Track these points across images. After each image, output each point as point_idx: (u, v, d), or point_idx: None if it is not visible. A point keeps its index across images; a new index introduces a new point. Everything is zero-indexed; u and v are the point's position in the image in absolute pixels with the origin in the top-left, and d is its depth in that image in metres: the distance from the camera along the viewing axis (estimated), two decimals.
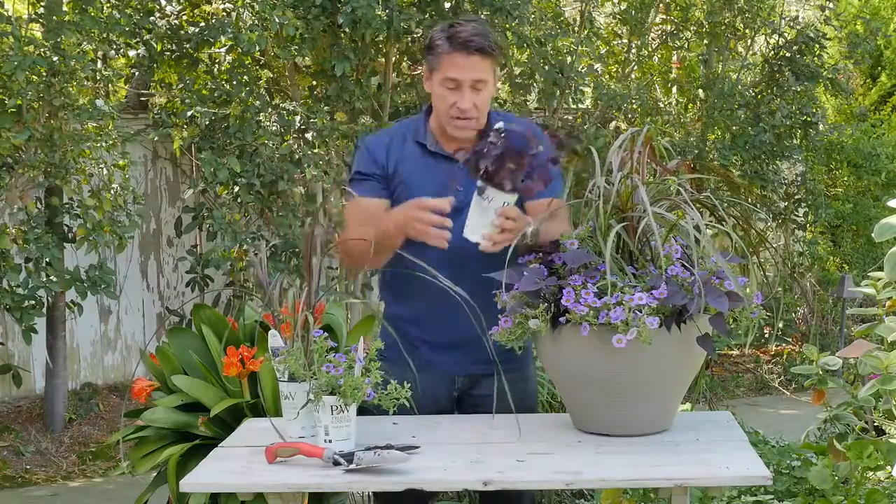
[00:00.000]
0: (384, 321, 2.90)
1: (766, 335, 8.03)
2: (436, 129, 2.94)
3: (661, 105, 8.30)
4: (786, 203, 8.52)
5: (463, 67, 2.80)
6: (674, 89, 8.56)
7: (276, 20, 5.81)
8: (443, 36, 2.83)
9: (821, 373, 3.35)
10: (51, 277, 5.44)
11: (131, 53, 6.33)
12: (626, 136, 2.61)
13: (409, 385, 2.51)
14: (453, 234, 2.69)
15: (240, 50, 5.97)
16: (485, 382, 2.92)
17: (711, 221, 2.79)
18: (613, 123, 7.63)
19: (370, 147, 2.97)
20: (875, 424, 3.57)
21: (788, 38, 8.00)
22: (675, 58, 8.51)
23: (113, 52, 6.37)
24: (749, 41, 8.41)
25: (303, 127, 6.27)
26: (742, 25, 8.14)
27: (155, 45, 6.19)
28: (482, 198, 2.63)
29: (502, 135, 2.62)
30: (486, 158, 2.59)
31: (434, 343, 2.90)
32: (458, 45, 2.79)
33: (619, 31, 8.24)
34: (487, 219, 2.64)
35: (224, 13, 6.22)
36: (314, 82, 6.73)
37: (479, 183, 2.61)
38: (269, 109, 6.22)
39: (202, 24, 6.25)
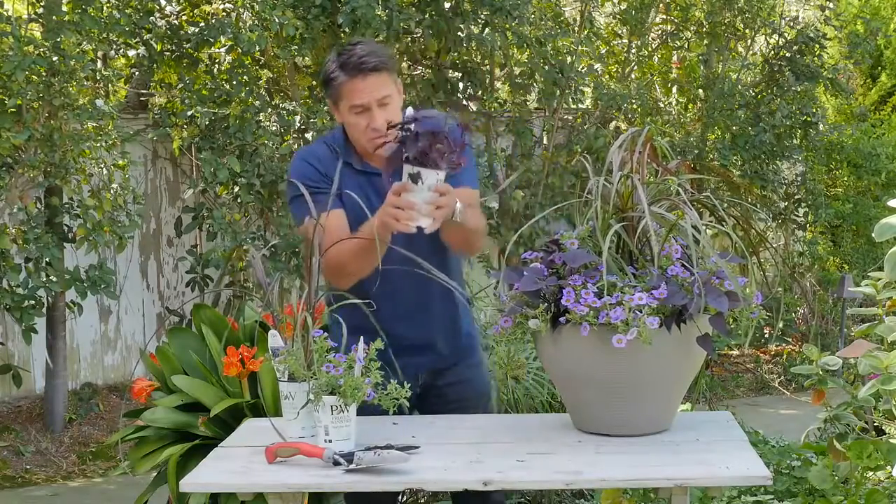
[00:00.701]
0: (338, 318, 2.77)
1: (766, 335, 8.03)
2: (359, 148, 2.92)
3: (661, 105, 8.30)
4: (786, 203, 8.51)
5: (364, 91, 2.80)
6: (674, 89, 8.55)
7: (276, 20, 5.81)
8: (335, 66, 2.83)
9: (821, 373, 3.35)
10: (51, 277, 5.44)
11: (131, 53, 6.32)
12: (627, 136, 2.61)
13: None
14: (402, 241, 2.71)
15: (240, 50, 5.97)
16: (446, 373, 3.01)
17: (711, 221, 2.79)
18: (613, 123, 7.63)
19: (309, 158, 2.92)
20: (875, 424, 3.58)
21: (788, 38, 8.00)
22: (675, 58, 8.51)
23: (113, 52, 6.36)
24: (749, 41, 8.41)
25: (303, 127, 6.27)
26: (742, 25, 8.13)
27: (155, 45, 6.19)
28: (417, 183, 2.62)
29: (416, 119, 2.63)
30: (411, 144, 2.60)
31: (398, 346, 2.80)
32: (353, 70, 2.79)
33: (619, 31, 8.24)
34: (426, 199, 2.63)
35: (224, 13, 6.22)
36: (314, 82, 6.73)
37: (411, 169, 2.61)
38: (269, 109, 6.22)
39: (202, 24, 6.24)
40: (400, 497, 3.71)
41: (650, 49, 8.27)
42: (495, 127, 7.30)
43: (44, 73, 5.26)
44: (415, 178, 2.61)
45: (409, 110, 2.72)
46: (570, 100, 7.18)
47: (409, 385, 2.54)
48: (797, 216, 8.65)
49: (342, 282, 2.77)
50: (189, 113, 6.01)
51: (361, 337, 2.55)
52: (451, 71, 6.93)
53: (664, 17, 8.23)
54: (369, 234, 2.70)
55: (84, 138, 5.41)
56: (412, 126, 2.62)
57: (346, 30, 6.12)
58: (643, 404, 2.54)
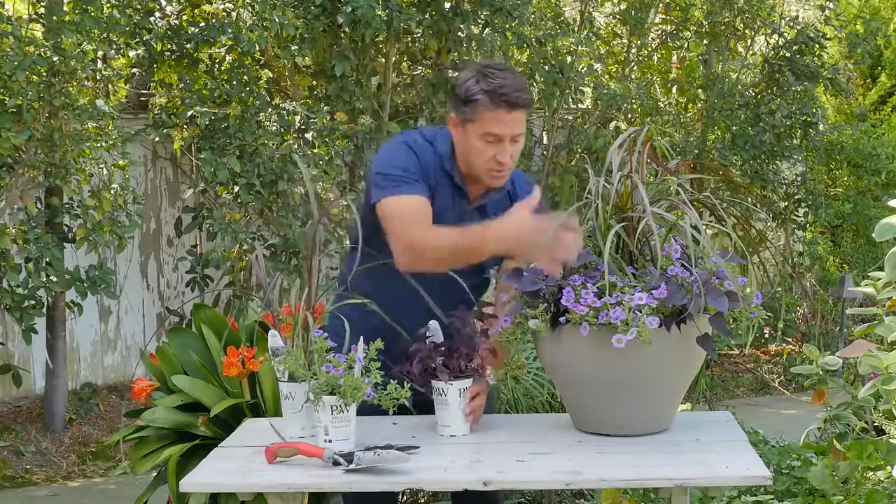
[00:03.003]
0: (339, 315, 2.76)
1: (766, 335, 8.03)
2: (462, 166, 2.87)
3: (661, 105, 8.30)
4: (786, 203, 8.52)
5: (505, 124, 2.74)
6: (674, 89, 8.55)
7: (276, 20, 5.81)
8: (481, 89, 2.73)
9: (821, 373, 3.35)
10: (51, 277, 5.44)
11: (131, 53, 6.32)
12: (626, 136, 2.61)
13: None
14: None
15: (240, 50, 5.97)
16: None
17: (711, 221, 2.79)
18: (613, 123, 7.63)
19: (416, 154, 2.85)
20: (875, 424, 3.58)
21: (788, 38, 8.00)
22: (675, 58, 8.51)
23: (113, 52, 6.36)
24: (749, 41, 8.41)
25: (303, 127, 6.27)
26: (742, 25, 8.14)
27: (155, 45, 6.18)
28: (441, 399, 2.65)
29: (427, 339, 2.68)
30: (429, 370, 2.64)
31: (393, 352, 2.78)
32: (501, 102, 2.72)
33: (619, 31, 8.24)
34: (454, 410, 2.64)
35: (224, 13, 6.22)
36: (314, 82, 6.73)
37: (435, 389, 2.64)
38: (269, 109, 6.22)
39: (202, 24, 6.24)
40: (400, 497, 3.72)
41: (650, 49, 8.28)
42: None
43: (44, 73, 5.26)
44: (438, 392, 2.64)
45: (434, 325, 2.72)
46: (570, 100, 7.18)
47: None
48: (797, 216, 8.65)
49: (422, 264, 2.67)
50: (189, 113, 6.01)
51: (372, 338, 2.56)
52: (451, 71, 6.94)
53: (664, 17, 8.24)
54: (478, 245, 2.65)
55: (84, 138, 5.41)
56: (423, 350, 2.65)
57: (346, 30, 6.13)
58: (643, 404, 2.54)
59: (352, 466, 2.38)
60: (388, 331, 2.64)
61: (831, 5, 8.41)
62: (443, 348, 2.67)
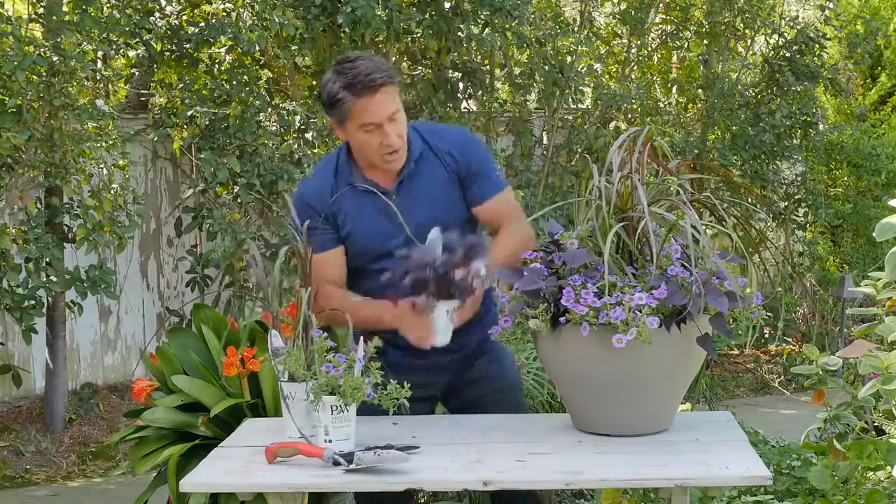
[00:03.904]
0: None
1: (766, 335, 8.03)
2: (363, 165, 2.91)
3: (661, 105, 8.30)
4: (786, 203, 8.51)
5: (374, 110, 2.77)
6: (674, 89, 8.55)
7: (276, 20, 5.80)
8: (340, 86, 2.77)
9: (821, 373, 3.34)
10: (51, 277, 5.44)
11: (131, 53, 6.32)
12: (627, 136, 2.61)
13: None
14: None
15: (240, 50, 5.97)
16: (468, 371, 3.03)
17: (711, 221, 2.79)
18: (613, 123, 7.63)
19: (306, 198, 2.93)
20: (875, 424, 3.57)
21: (788, 38, 8.00)
22: (675, 58, 8.51)
23: (113, 52, 6.36)
24: (749, 41, 8.41)
25: (303, 127, 6.27)
26: (742, 25, 8.13)
27: (155, 45, 6.18)
28: (433, 313, 2.70)
29: (411, 257, 2.69)
30: (414, 287, 2.66)
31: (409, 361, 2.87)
32: (362, 90, 2.75)
33: (619, 31, 8.24)
34: (442, 322, 2.70)
35: (224, 13, 6.22)
36: (314, 82, 6.73)
37: (425, 301, 2.68)
38: (269, 109, 6.22)
39: (202, 24, 6.24)
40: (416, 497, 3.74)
41: (650, 49, 8.27)
42: (495, 127, 7.30)
43: (44, 73, 5.26)
44: (431, 308, 2.68)
45: (435, 235, 2.72)
46: (570, 100, 7.18)
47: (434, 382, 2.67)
48: (797, 216, 8.65)
49: (320, 319, 2.73)
50: (189, 113, 6.01)
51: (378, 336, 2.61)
52: (451, 71, 6.94)
53: (664, 17, 8.23)
54: (377, 320, 2.78)
55: (84, 138, 5.41)
56: (411, 264, 2.66)
57: (346, 30, 6.13)
58: (643, 404, 2.54)
59: (352, 466, 2.38)
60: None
61: (831, 5, 8.41)
62: (437, 264, 2.66)
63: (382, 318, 2.78)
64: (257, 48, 5.91)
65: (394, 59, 6.75)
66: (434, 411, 3.12)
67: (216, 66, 6.28)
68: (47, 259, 5.37)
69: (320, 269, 2.80)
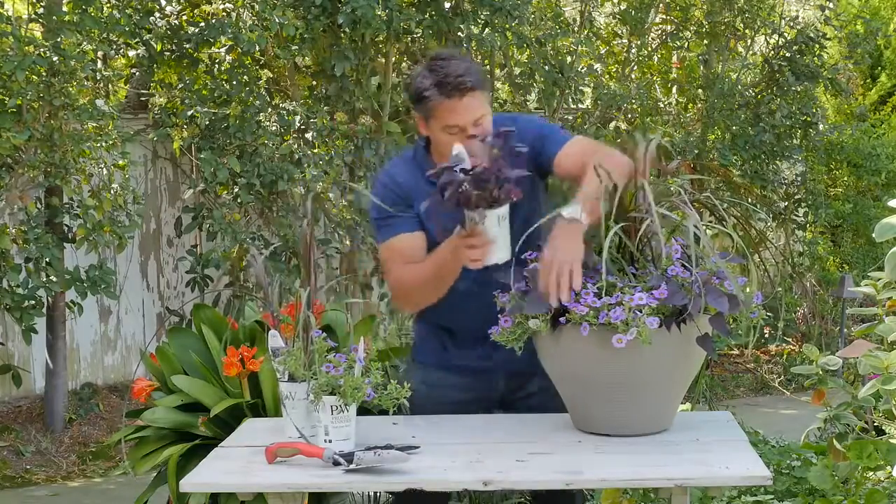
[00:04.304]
0: (420, 326, 2.96)
1: (767, 335, 8.02)
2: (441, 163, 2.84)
3: (661, 105, 8.30)
4: (786, 203, 8.51)
5: (461, 112, 2.71)
6: (674, 89, 8.56)
7: (276, 20, 5.80)
8: (429, 84, 2.71)
9: (821, 373, 3.34)
10: (51, 277, 5.44)
11: (131, 53, 6.32)
12: (637, 145, 2.59)
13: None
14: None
15: (240, 50, 5.96)
16: (526, 384, 2.93)
17: (711, 221, 2.79)
18: (613, 123, 7.63)
19: (390, 184, 2.87)
20: (875, 424, 3.58)
21: (788, 38, 8.00)
22: (675, 58, 8.51)
23: (113, 52, 6.36)
24: (749, 41, 8.41)
25: (303, 127, 6.27)
26: (742, 25, 8.13)
27: (155, 45, 6.18)
28: (483, 225, 2.54)
29: (450, 169, 2.54)
30: (458, 203, 2.51)
31: (481, 344, 2.77)
32: (451, 91, 2.69)
33: (619, 31, 8.24)
34: (497, 233, 2.54)
35: (224, 13, 6.22)
36: (314, 82, 6.73)
37: (468, 215, 2.52)
38: (269, 109, 6.22)
39: (202, 24, 6.24)
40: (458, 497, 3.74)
41: (650, 49, 8.27)
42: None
43: (44, 73, 5.26)
44: (474, 220, 2.52)
45: (458, 148, 2.58)
46: (570, 100, 7.18)
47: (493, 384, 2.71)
48: (797, 216, 8.65)
49: (408, 307, 2.78)
50: (189, 113, 6.01)
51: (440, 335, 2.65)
52: None
53: (664, 17, 8.24)
54: (441, 262, 2.66)
55: (84, 138, 5.41)
56: (448, 176, 2.52)
57: (346, 30, 6.13)
58: (643, 404, 2.54)
59: (352, 466, 2.38)
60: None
61: (831, 5, 8.41)
62: (471, 175, 2.50)
63: (446, 261, 2.66)
64: (257, 48, 5.91)
65: (394, 59, 6.75)
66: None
67: (216, 66, 6.28)
68: (47, 259, 5.37)
69: (400, 252, 2.77)
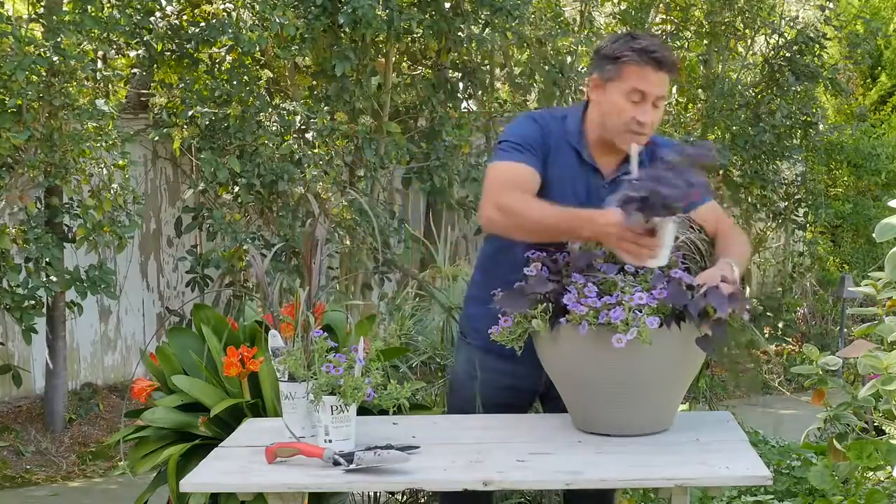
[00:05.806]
0: (475, 307, 2.91)
1: (766, 335, 8.03)
2: (592, 138, 2.83)
3: None
4: (786, 203, 8.52)
5: (652, 82, 2.72)
6: (674, 89, 8.56)
7: (276, 20, 5.80)
8: (629, 47, 2.72)
9: (821, 373, 3.34)
10: (51, 277, 5.44)
11: (131, 53, 6.32)
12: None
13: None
14: None
15: (240, 50, 5.96)
16: None
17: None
18: None
19: (540, 126, 2.84)
20: (875, 424, 3.58)
21: (788, 38, 8.00)
22: None
23: (113, 52, 6.36)
24: (749, 41, 8.41)
25: (303, 127, 6.27)
26: (742, 25, 8.14)
27: (155, 45, 6.18)
28: (656, 231, 2.54)
29: (641, 180, 2.55)
30: (638, 201, 2.50)
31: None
32: (650, 60, 2.71)
33: (620, 31, 8.24)
34: (670, 239, 2.56)
35: (224, 13, 6.22)
36: (314, 82, 6.73)
37: (649, 220, 2.51)
38: (269, 109, 6.22)
39: (202, 24, 6.24)
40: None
41: None
42: (495, 127, 7.30)
43: (44, 73, 5.26)
44: (663, 225, 2.52)
45: (636, 149, 2.63)
46: (570, 100, 7.18)
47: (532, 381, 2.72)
48: (797, 216, 8.65)
49: (507, 230, 2.69)
50: (189, 113, 6.01)
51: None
52: (451, 71, 6.94)
53: (664, 17, 8.24)
54: (573, 229, 2.62)
55: (84, 138, 5.41)
56: (639, 182, 2.52)
57: (347, 30, 6.13)
58: (643, 404, 2.54)
59: (352, 466, 2.38)
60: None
61: (831, 5, 8.41)
62: (668, 180, 2.49)
63: (580, 231, 2.61)
64: (257, 48, 5.91)
65: (394, 59, 6.75)
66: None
67: (216, 66, 6.28)
68: (47, 259, 5.37)
69: (522, 177, 2.73)
